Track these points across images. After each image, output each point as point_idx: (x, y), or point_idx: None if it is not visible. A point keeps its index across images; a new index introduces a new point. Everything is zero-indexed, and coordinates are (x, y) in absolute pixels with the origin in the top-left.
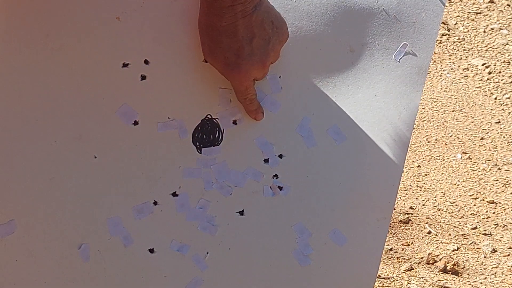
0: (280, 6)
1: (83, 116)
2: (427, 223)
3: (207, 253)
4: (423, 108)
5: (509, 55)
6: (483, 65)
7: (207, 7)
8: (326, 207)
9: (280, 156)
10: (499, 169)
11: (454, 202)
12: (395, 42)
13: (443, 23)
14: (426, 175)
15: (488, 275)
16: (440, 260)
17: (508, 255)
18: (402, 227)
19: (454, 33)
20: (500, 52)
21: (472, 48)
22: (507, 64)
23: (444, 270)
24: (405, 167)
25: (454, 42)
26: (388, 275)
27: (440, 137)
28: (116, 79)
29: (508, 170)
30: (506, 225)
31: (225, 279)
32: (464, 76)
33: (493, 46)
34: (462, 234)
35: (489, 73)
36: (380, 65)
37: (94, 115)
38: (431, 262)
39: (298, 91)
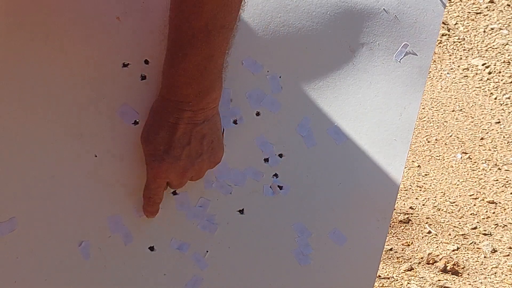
0: (280, 6)
1: (83, 115)
2: (427, 223)
3: (207, 251)
4: (423, 108)
5: (509, 55)
6: (483, 65)
7: (160, 98)
8: (326, 207)
9: (280, 155)
10: (499, 169)
11: (454, 202)
12: (396, 42)
13: (443, 23)
14: (426, 175)
15: (488, 275)
16: (440, 260)
17: (508, 255)
18: (402, 227)
19: (454, 33)
20: (500, 52)
21: (472, 48)
22: (507, 64)
23: (444, 270)
24: (405, 167)
25: (454, 42)
26: (388, 275)
27: (440, 137)
28: (116, 79)
29: (508, 170)
30: (506, 225)
31: (225, 278)
32: (464, 76)
33: (493, 46)
34: (462, 234)
35: (489, 73)
36: (380, 65)
37: (95, 114)
38: (431, 262)
39: (298, 91)
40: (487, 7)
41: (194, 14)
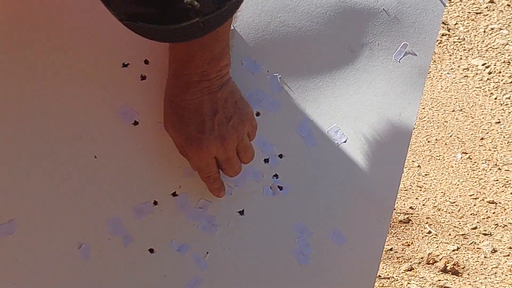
0: (280, 6)
1: (83, 116)
2: (427, 223)
3: (207, 252)
4: (423, 108)
5: (509, 55)
6: (483, 65)
7: (173, 80)
8: (326, 207)
9: (280, 156)
10: (499, 169)
11: (454, 202)
12: (395, 42)
13: (443, 23)
14: (426, 175)
15: (488, 275)
16: (440, 260)
17: (508, 255)
18: (402, 227)
19: (454, 33)
20: (500, 52)
21: (472, 48)
22: (507, 64)
23: (444, 270)
24: (405, 167)
25: (454, 42)
26: (388, 275)
27: (440, 137)
28: (116, 79)
29: (508, 170)
30: (506, 225)
31: (225, 279)
32: (464, 76)
33: (493, 46)
34: (462, 234)
35: (489, 73)
36: (380, 65)
37: (95, 115)
38: (431, 262)
39: (298, 91)
40: (487, 7)
41: None
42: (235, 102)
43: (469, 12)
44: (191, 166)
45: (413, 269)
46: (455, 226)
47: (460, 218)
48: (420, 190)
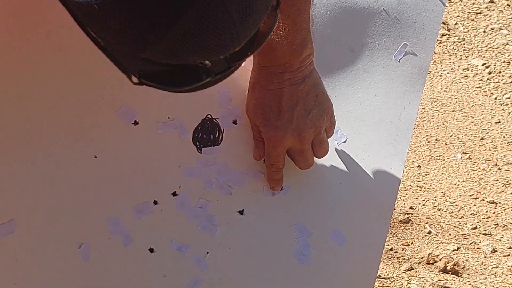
0: None
1: (83, 116)
2: (427, 223)
3: (207, 252)
4: (423, 108)
5: (509, 55)
6: (483, 65)
7: (258, 68)
8: (326, 207)
9: None
10: (499, 169)
11: (454, 202)
12: (395, 42)
13: (443, 23)
14: (426, 175)
15: (488, 275)
16: (440, 260)
17: (508, 255)
18: (402, 227)
19: (454, 33)
20: (500, 52)
21: (472, 48)
22: (507, 64)
23: (444, 270)
24: (405, 167)
25: (454, 42)
26: (388, 275)
27: (440, 137)
28: (116, 79)
29: (508, 170)
30: (506, 225)
31: (225, 279)
32: (464, 76)
33: (493, 46)
34: (462, 234)
35: (489, 73)
36: (380, 65)
37: (94, 115)
38: (431, 262)
39: None
40: (487, 7)
41: None
42: (316, 95)
43: (469, 12)
44: (263, 151)
45: (413, 269)
46: (455, 226)
47: (460, 218)
48: (420, 190)
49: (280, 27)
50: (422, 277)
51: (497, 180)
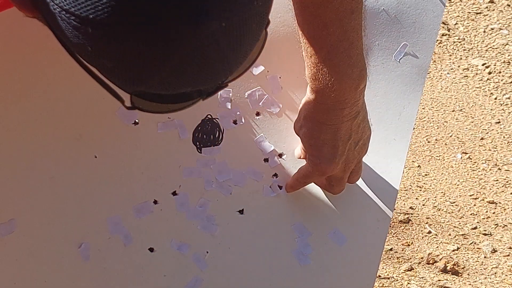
0: (280, 6)
1: (83, 116)
2: (427, 223)
3: (207, 252)
4: (423, 108)
5: (509, 55)
6: (483, 65)
7: (314, 103)
8: (326, 207)
9: (280, 155)
10: (499, 169)
11: (454, 202)
12: (395, 42)
13: (443, 23)
14: (426, 175)
15: (488, 275)
16: (440, 260)
17: (508, 255)
18: (402, 227)
19: (454, 33)
20: (500, 52)
21: (472, 48)
22: (507, 64)
23: (444, 270)
24: (405, 167)
25: (454, 42)
26: (388, 275)
27: (440, 137)
28: None
29: (508, 170)
30: (506, 225)
31: (225, 278)
32: (464, 76)
33: (493, 46)
34: (462, 234)
35: (489, 73)
36: (380, 65)
37: (94, 115)
38: (431, 262)
39: (298, 91)
40: (487, 7)
41: (318, 17)
42: (364, 126)
43: (469, 12)
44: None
45: (413, 269)
46: (455, 226)
47: (460, 218)
48: (420, 190)
49: (335, 67)
50: (422, 277)
51: (497, 180)
